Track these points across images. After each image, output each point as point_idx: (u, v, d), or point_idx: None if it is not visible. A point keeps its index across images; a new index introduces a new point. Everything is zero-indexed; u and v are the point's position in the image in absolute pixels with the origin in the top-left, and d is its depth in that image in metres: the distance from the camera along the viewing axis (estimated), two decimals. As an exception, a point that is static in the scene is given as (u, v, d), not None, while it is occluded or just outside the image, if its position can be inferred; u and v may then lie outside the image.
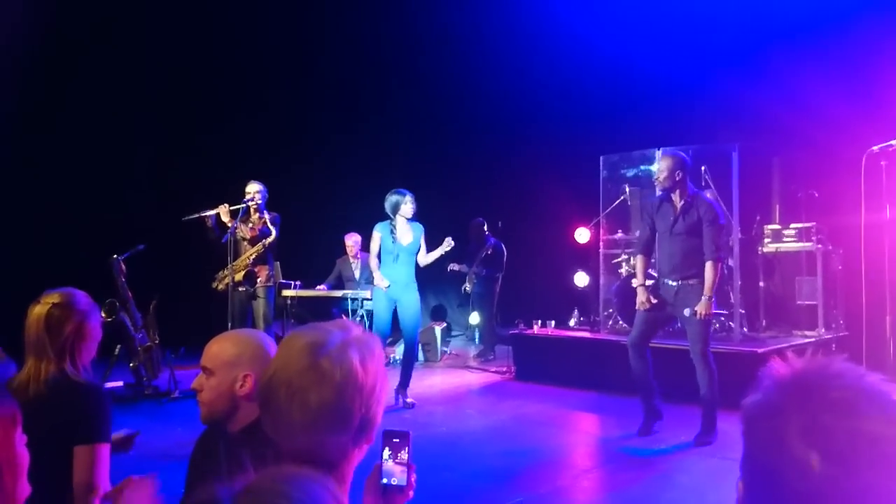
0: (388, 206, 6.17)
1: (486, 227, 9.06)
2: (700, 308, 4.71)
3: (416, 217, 6.22)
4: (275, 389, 1.19)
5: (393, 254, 6.13)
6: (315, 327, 1.27)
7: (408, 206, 6.13)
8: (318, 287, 8.21)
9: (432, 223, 9.37)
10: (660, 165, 4.99)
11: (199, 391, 1.91)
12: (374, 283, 6.16)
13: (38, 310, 2.19)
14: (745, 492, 0.85)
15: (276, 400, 1.19)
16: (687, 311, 4.76)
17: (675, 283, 4.89)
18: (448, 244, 6.18)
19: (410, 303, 6.14)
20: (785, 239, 7.54)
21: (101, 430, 2.12)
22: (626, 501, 4.03)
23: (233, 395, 1.87)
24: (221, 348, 1.91)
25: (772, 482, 0.80)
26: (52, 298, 2.22)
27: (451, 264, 9.17)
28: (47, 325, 2.17)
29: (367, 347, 1.25)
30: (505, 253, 9.03)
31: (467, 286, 9.13)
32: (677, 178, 4.81)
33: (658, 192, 5.12)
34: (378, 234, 6.16)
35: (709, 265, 4.72)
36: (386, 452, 1.39)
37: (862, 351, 4.26)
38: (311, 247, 9.16)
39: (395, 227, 6.12)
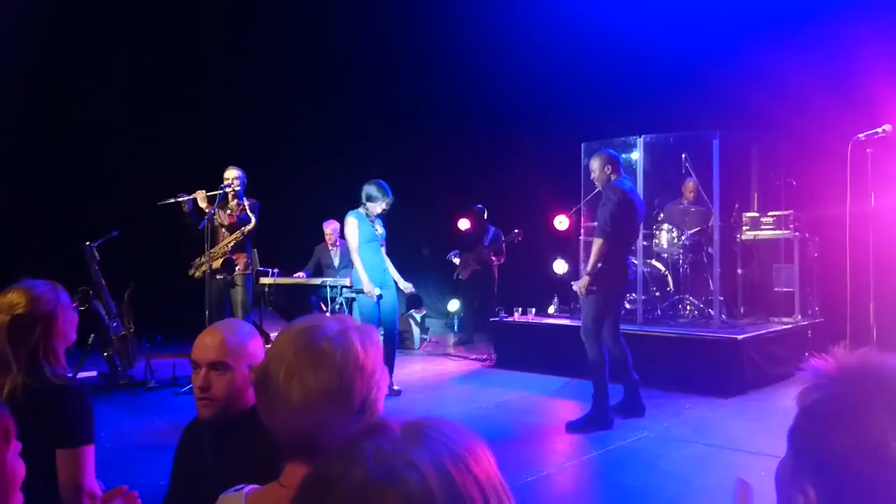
0: (364, 192, 6.02)
1: (485, 215, 9.07)
2: (577, 284, 4.95)
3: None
4: (272, 372, 1.17)
5: (376, 241, 6.05)
6: (312, 317, 1.27)
7: (379, 206, 5.99)
8: (296, 275, 8.10)
9: (411, 211, 9.26)
10: (591, 166, 5.13)
11: (206, 388, 1.74)
12: (365, 290, 5.87)
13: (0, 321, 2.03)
14: (822, 500, 0.79)
15: (275, 382, 1.16)
16: (574, 286, 5.05)
17: None
18: (407, 288, 6.33)
19: (393, 290, 6.14)
20: (763, 227, 7.60)
21: (83, 431, 2.02)
22: (611, 489, 4.03)
23: (247, 388, 1.73)
24: (232, 340, 1.77)
25: (864, 487, 0.75)
26: (13, 307, 2.03)
27: (452, 257, 9.11)
28: (10, 339, 2.01)
29: (366, 334, 1.24)
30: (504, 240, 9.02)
31: (461, 273, 9.08)
32: (608, 172, 5.02)
33: (598, 189, 5.21)
34: (356, 220, 6.00)
35: (594, 242, 4.91)
36: None
37: (846, 337, 4.30)
38: (289, 234, 9.05)
39: (368, 214, 5.99)
